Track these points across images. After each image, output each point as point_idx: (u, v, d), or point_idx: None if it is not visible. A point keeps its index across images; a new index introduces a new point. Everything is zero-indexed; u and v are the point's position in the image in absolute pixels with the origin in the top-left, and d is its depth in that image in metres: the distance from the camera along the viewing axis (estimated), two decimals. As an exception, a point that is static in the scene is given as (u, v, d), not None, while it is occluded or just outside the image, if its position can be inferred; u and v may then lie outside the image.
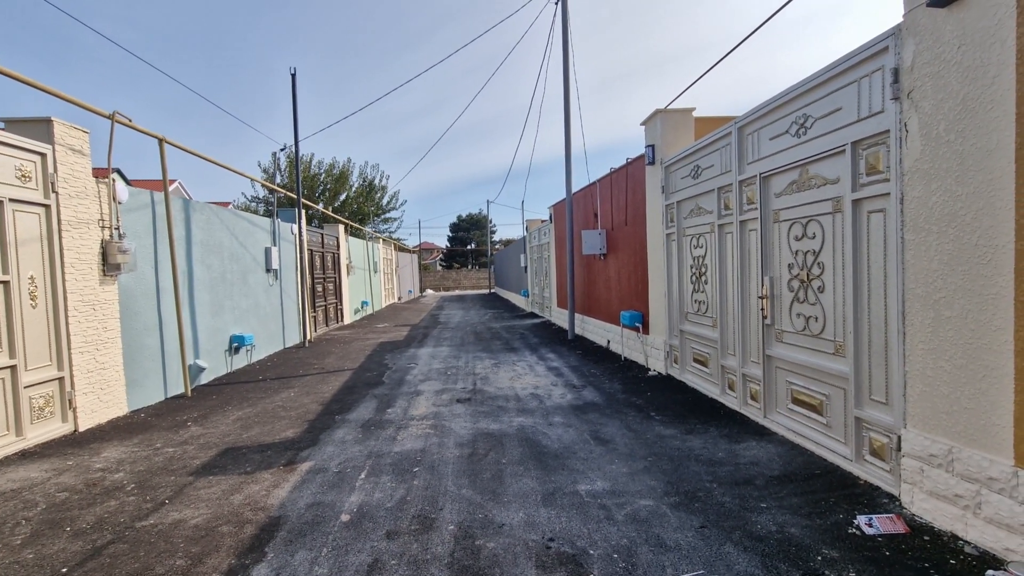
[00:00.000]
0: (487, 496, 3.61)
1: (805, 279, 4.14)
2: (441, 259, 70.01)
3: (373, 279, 20.81)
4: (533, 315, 17.44)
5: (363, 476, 4.03)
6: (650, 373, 7.35)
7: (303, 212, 12.25)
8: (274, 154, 11.78)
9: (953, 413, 2.82)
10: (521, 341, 11.47)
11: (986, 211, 2.59)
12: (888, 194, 3.25)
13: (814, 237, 4.01)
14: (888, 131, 3.22)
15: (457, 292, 43.57)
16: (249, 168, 34.40)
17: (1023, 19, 2.38)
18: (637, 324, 7.94)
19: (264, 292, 10.17)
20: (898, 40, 3.09)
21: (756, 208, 4.74)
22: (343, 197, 30.36)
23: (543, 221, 16.52)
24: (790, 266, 4.32)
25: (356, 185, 31.29)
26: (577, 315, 11.81)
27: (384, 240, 25.95)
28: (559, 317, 13.62)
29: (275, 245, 10.73)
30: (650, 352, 7.68)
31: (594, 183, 10.08)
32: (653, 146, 7.11)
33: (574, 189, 11.34)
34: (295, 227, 11.82)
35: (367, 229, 23.68)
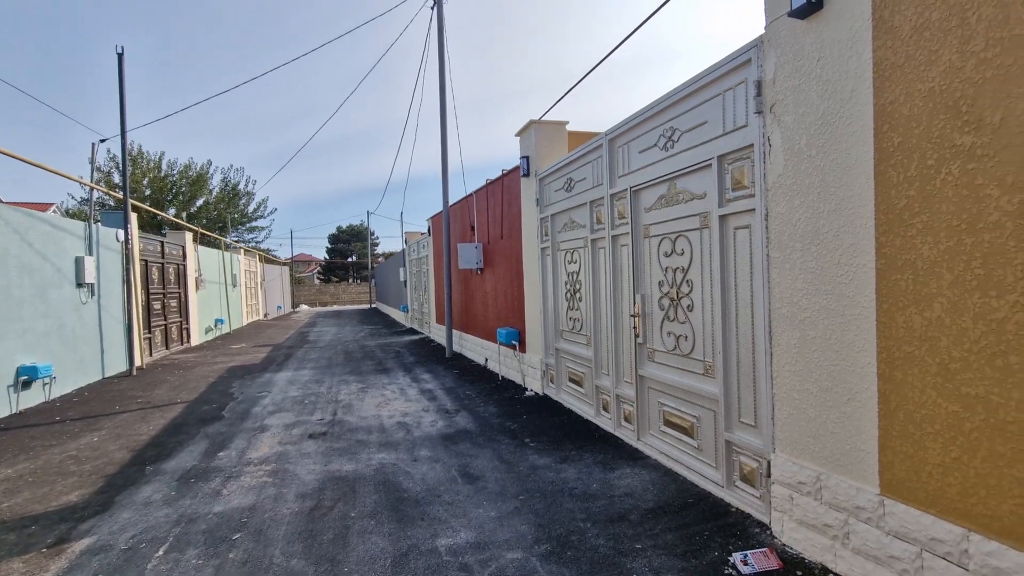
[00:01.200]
0: (323, 567, 2.92)
1: (675, 297, 4.01)
2: (319, 272, 66.02)
3: (231, 294, 18.62)
4: (412, 331, 16.63)
5: (160, 553, 3.13)
6: (527, 393, 7.04)
7: (132, 215, 10.42)
8: (93, 145, 9.82)
9: (820, 437, 2.72)
10: (395, 360, 10.68)
11: (847, 229, 2.52)
12: (753, 210, 3.16)
13: (683, 254, 3.90)
14: (752, 145, 3.13)
15: (335, 307, 41.05)
16: (81, 166, 29.53)
17: (879, 32, 2.33)
18: (514, 342, 7.62)
19: (73, 311, 8.36)
20: (760, 52, 3.02)
21: (627, 223, 4.59)
22: (201, 202, 27.19)
23: (422, 234, 15.87)
24: (660, 283, 4.19)
25: (217, 190, 28.22)
26: (456, 332, 11.31)
27: (247, 250, 23.52)
28: (438, 334, 13.03)
29: (91, 254, 8.93)
30: (527, 371, 7.38)
31: (471, 195, 9.71)
32: (528, 157, 6.88)
33: (452, 202, 10.90)
34: (122, 233, 9.99)
35: (229, 239, 21.28)
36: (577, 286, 5.75)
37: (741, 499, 3.36)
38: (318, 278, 63.71)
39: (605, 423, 5.21)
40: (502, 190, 8.07)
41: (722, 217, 3.45)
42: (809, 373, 2.76)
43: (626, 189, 4.56)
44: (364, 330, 18.00)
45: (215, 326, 16.22)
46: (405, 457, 4.74)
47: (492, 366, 8.88)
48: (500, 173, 8.07)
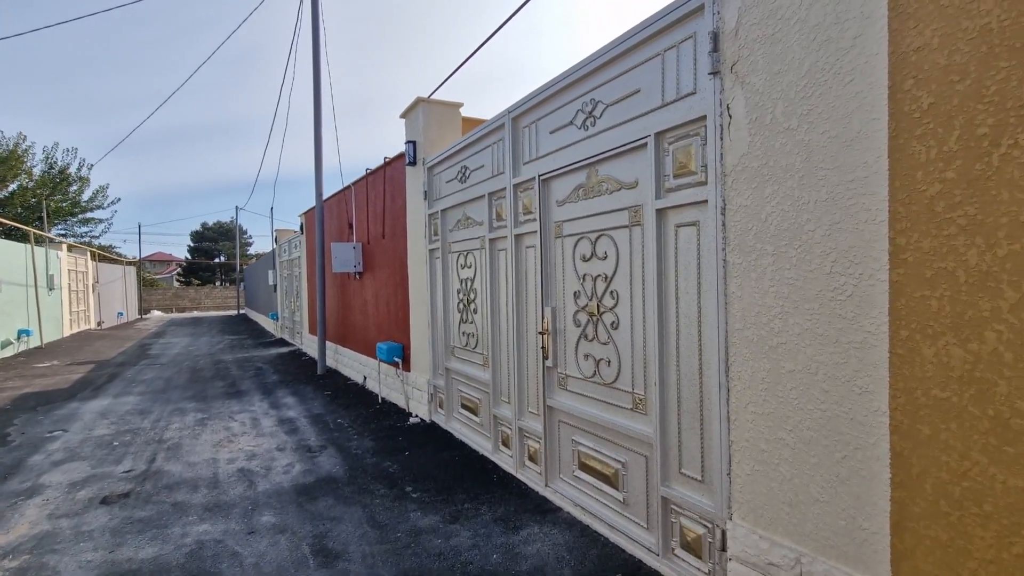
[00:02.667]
0: None
1: (595, 311, 3.23)
2: (179, 274, 58.77)
3: (47, 299, 15.21)
4: (282, 342, 14.65)
5: None
6: (411, 420, 5.96)
7: None
8: None
9: (800, 506, 2.03)
10: (254, 380, 8.99)
11: (845, 226, 1.85)
12: (705, 201, 2.45)
13: (606, 258, 3.13)
14: (704, 117, 2.42)
15: (197, 314, 36.28)
16: None
17: (904, -50, 1.68)
18: (396, 359, 6.50)
19: None
20: (718, -5, 2.32)
21: (535, 219, 3.76)
22: (14, 186, 22.33)
23: (295, 232, 14.03)
24: (576, 294, 3.39)
25: (40, 172, 23.39)
26: (331, 344, 9.86)
27: (73, 246, 19.63)
28: (311, 346, 11.39)
29: None
30: (412, 393, 6.30)
31: (348, 187, 8.41)
32: (415, 143, 5.84)
33: (329, 195, 9.48)
34: None
35: (54, 232, 17.49)
36: (472, 295, 4.82)
37: (682, 571, 2.63)
38: (178, 280, 56.66)
39: (505, 462, 4.33)
40: (384, 181, 6.93)
41: (660, 211, 2.71)
42: (785, 418, 2.07)
43: (534, 178, 3.73)
44: (224, 341, 15.58)
45: (16, 339, 12.99)
46: (238, 528, 3.47)
47: (372, 386, 7.65)
48: (383, 161, 6.93)
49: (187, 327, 21.87)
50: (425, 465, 4.57)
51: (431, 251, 5.63)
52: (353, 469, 4.53)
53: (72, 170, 24.63)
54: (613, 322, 3.08)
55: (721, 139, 2.31)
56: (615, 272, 3.05)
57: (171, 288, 45.59)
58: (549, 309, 3.61)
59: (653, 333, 2.76)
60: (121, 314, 25.40)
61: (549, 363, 3.64)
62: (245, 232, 55.27)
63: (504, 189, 4.14)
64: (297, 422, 6.17)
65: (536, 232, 3.73)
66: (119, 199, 28.14)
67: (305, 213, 11.83)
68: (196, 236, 58.18)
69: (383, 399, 7.07)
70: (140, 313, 31.52)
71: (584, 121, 3.24)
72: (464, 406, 5.10)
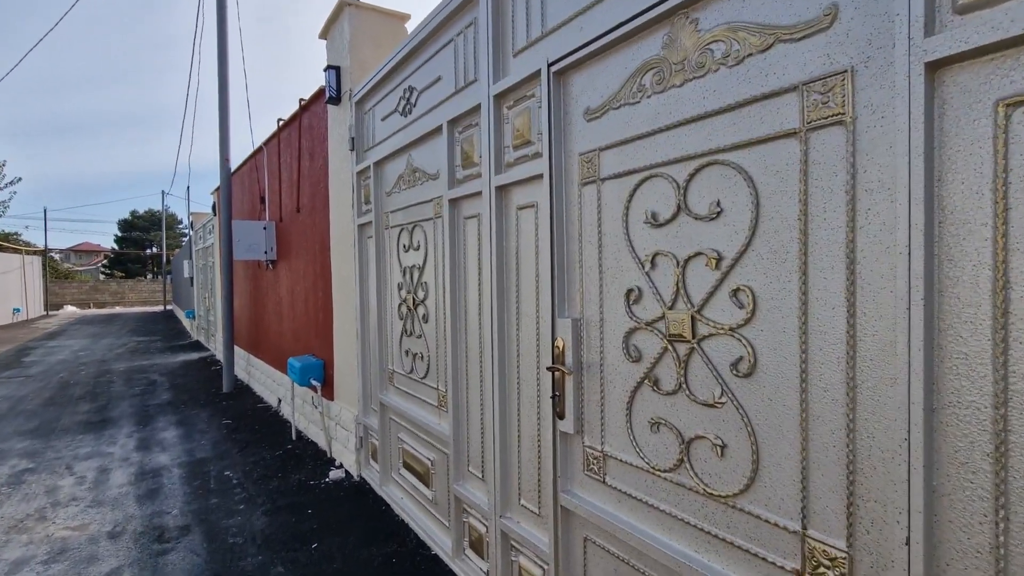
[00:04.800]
0: None
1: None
2: (104, 265, 53.90)
3: None
4: (198, 346, 12.33)
5: None
6: (332, 474, 4.10)
7: None
8: None
9: None
10: (137, 400, 6.85)
11: None
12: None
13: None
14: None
15: (118, 309, 32.61)
16: None
17: None
18: (315, 381, 4.62)
19: None
20: None
21: (538, 151, 2.01)
22: None
23: (210, 215, 11.71)
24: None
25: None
26: (243, 354, 7.81)
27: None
28: (238, 349, 9.24)
29: None
30: (336, 432, 4.45)
31: (260, 148, 6.40)
32: (338, 69, 3.97)
33: (241, 164, 7.42)
34: None
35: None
36: (420, 293, 3.01)
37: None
38: (103, 272, 51.86)
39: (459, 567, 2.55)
40: (300, 134, 5.00)
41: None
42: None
43: (536, 72, 1.97)
44: (127, 344, 13.07)
45: None
46: None
47: (287, 412, 5.72)
48: (299, 105, 4.99)
49: (94, 326, 18.95)
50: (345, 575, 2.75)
51: (360, 227, 3.78)
52: (216, 589, 2.68)
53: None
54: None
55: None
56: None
57: (92, 281, 41.26)
58: (568, 322, 1.87)
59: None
60: (18, 311, 22.00)
61: (566, 427, 1.90)
62: (181, 221, 50.99)
63: (476, 109, 2.35)
64: (165, 476, 4.22)
65: (542, 176, 1.97)
66: (19, 179, 24.59)
67: (216, 190, 9.63)
68: (125, 225, 53.40)
69: (299, 433, 5.16)
70: (46, 309, 27.82)
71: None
72: (408, 466, 3.29)
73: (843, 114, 1.14)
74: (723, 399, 1.40)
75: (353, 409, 4.03)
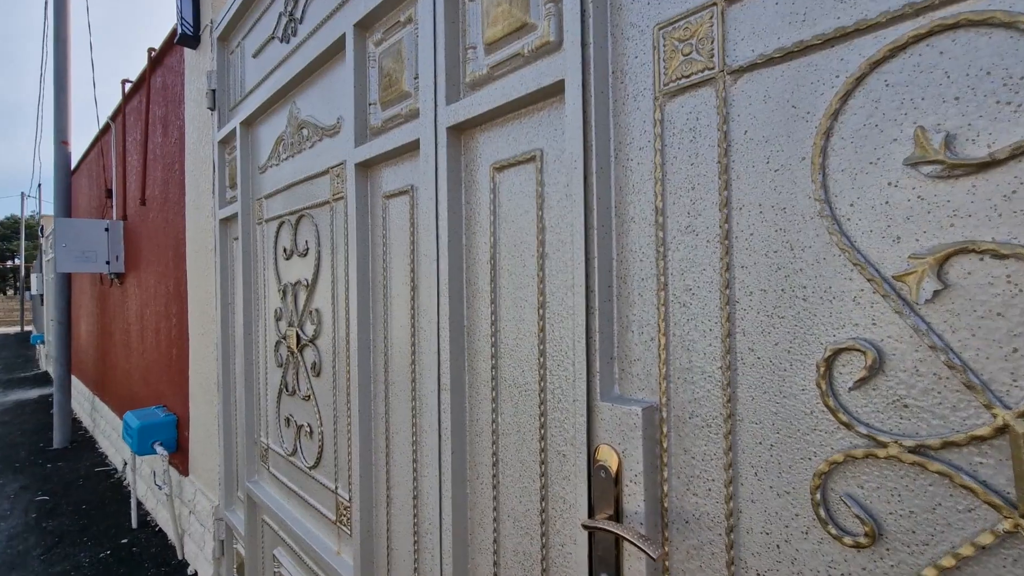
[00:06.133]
0: None
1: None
2: (-48, 279, 46.34)
3: None
4: (45, 379, 9.99)
5: None
6: (180, 592, 2.74)
7: None
8: None
9: None
10: (-84, 468, 4.93)
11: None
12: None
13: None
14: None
15: (-39, 331, 27.38)
16: None
17: None
18: (163, 448, 3.22)
19: None
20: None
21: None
22: None
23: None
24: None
25: None
26: (90, 394, 6.05)
27: None
28: (77, 391, 7.28)
29: None
30: (190, 524, 3.08)
31: (107, 125, 4.86)
32: (197, -7, 2.73)
33: (89, 148, 5.77)
34: None
35: None
36: (310, 322, 1.84)
37: None
38: (-50, 288, 44.50)
39: None
40: (150, 99, 3.63)
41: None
42: None
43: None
44: (-52, 378, 10.38)
45: None
46: None
47: (132, 480, 4.18)
48: (148, 58, 3.62)
49: (-86, 354, 15.39)
50: None
51: (223, 223, 2.53)
52: None
53: None
54: None
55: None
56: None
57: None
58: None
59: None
60: None
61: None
62: (43, 230, 44.63)
63: (407, -5, 1.28)
64: None
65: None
66: None
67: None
68: (-21, 233, 46.23)
69: (144, 518, 3.69)
70: None
71: None
72: (290, 602, 2.05)
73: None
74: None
75: (212, 493, 2.72)
